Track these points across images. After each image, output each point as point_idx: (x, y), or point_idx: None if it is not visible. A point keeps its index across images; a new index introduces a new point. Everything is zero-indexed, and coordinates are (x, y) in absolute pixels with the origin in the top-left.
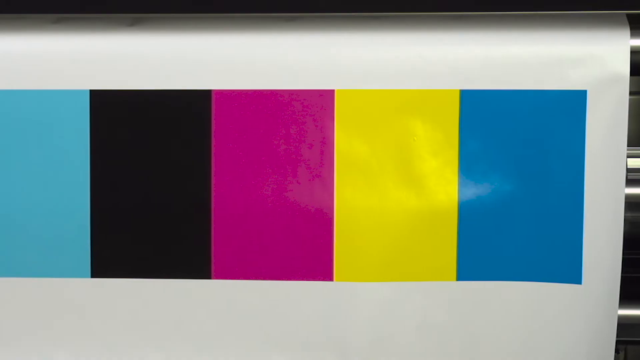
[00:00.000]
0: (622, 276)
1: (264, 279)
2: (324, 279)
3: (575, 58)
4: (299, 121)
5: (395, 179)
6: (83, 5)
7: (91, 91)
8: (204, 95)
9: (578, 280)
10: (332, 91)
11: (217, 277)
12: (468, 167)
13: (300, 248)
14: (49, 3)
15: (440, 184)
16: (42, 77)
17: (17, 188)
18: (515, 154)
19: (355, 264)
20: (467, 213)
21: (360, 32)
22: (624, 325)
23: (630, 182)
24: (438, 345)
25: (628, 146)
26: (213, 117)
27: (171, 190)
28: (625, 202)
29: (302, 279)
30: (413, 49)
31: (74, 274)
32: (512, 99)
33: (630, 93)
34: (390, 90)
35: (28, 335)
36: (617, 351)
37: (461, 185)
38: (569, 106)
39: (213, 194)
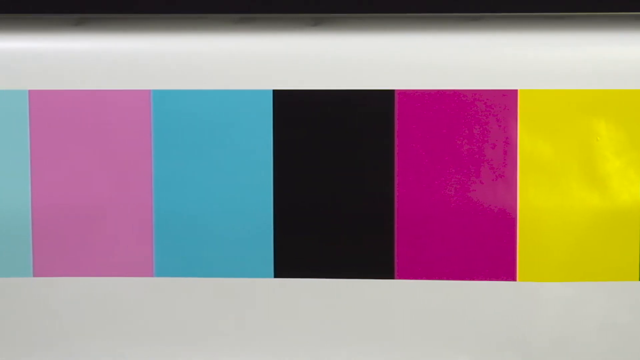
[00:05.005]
0: None
1: (447, 279)
2: (507, 279)
3: None
4: (482, 121)
5: (578, 179)
6: (265, 5)
7: (274, 91)
8: (387, 95)
9: None
10: (515, 91)
11: (401, 277)
12: None
13: (483, 248)
14: (231, 3)
15: (624, 184)
16: (226, 77)
17: (201, 188)
18: None
19: (538, 264)
20: None
21: (543, 32)
22: None
23: None
24: (620, 346)
25: None
26: (396, 117)
27: (354, 190)
28: None
29: (485, 279)
30: (596, 49)
31: (258, 274)
32: None
33: None
34: (574, 90)
35: (210, 335)
36: None
37: None
38: None
39: (396, 193)
